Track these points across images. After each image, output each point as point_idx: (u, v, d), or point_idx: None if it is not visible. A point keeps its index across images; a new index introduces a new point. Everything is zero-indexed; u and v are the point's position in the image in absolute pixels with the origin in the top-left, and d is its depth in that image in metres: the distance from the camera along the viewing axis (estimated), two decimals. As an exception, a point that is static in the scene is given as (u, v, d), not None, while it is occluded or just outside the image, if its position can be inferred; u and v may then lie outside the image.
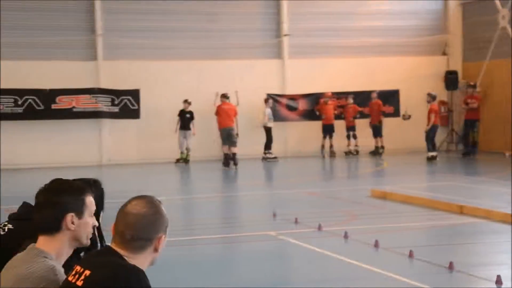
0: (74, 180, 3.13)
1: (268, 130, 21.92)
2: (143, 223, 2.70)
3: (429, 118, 20.86)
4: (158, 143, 21.88)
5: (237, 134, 20.66)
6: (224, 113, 20.45)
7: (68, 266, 2.86)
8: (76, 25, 21.51)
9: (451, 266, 7.95)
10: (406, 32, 23.82)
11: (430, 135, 20.82)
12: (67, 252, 2.91)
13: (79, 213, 2.89)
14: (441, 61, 24.29)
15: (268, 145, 21.95)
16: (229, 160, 20.13)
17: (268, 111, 21.94)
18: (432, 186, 15.21)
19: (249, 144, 22.15)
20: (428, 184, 15.71)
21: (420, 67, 23.92)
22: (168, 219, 2.78)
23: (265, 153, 21.92)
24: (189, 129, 21.36)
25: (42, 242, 2.87)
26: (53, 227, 2.86)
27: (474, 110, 21.90)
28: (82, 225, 2.89)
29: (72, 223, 2.86)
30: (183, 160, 21.30)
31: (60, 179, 2.96)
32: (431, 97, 21.07)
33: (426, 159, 20.68)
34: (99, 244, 3.37)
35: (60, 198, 2.87)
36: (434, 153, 20.69)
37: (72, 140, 21.22)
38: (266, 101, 22.03)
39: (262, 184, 17.41)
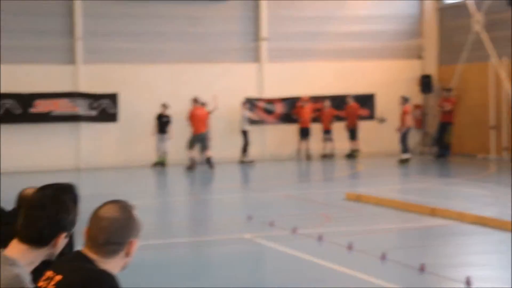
0: (49, 185, 3.14)
1: (244, 133, 22.02)
2: (115, 228, 2.72)
3: (404, 120, 21.08)
4: (137, 147, 21.86)
5: (208, 138, 20.69)
6: (198, 119, 20.42)
7: (38, 271, 2.86)
8: (55, 28, 21.44)
9: (422, 268, 8.10)
10: (383, 36, 24.04)
11: (405, 137, 21.06)
12: (38, 262, 2.92)
13: (69, 233, 2.91)
14: (417, 65, 24.55)
15: (245, 148, 22.04)
16: (195, 164, 20.16)
17: (246, 114, 22.05)
18: (406, 189, 15.40)
19: (226, 148, 22.22)
20: (402, 186, 15.90)
21: (396, 71, 24.15)
22: (140, 224, 2.80)
23: (242, 156, 22.01)
24: (166, 132, 21.39)
25: (19, 250, 2.84)
26: (43, 242, 2.84)
27: (448, 113, 22.18)
28: (64, 243, 2.92)
29: (61, 242, 2.89)
30: (160, 163, 21.32)
31: (55, 192, 2.90)
32: (404, 100, 21.34)
33: (399, 161, 20.88)
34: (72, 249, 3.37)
35: (60, 216, 2.84)
36: (408, 156, 20.91)
37: (50, 144, 21.13)
38: (244, 104, 22.13)
39: (238, 187, 17.47)
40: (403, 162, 20.75)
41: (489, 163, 20.65)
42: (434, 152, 23.08)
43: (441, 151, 22.12)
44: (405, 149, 20.95)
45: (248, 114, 22.13)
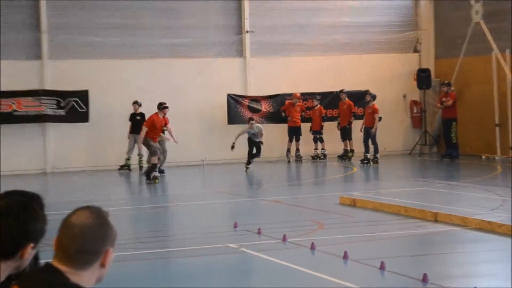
0: (13, 191, 3.04)
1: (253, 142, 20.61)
2: (88, 236, 2.66)
3: (373, 119, 21.02)
4: (109, 148, 21.67)
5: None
6: (158, 125, 18.56)
7: (4, 285, 2.80)
8: (19, 22, 21.21)
9: (425, 278, 8.01)
10: (376, 28, 24.04)
11: (374, 136, 20.95)
12: (4, 276, 2.85)
13: (37, 244, 2.84)
14: (413, 59, 24.58)
15: (257, 155, 20.63)
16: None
17: (250, 131, 20.74)
18: (405, 192, 15.35)
19: (208, 148, 22.09)
20: (401, 189, 15.84)
21: (390, 65, 24.15)
22: (116, 231, 2.72)
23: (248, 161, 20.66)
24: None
25: None
26: (9, 253, 2.78)
27: (449, 108, 22.06)
28: (32, 254, 2.85)
29: (29, 253, 2.81)
30: (127, 167, 20.88)
31: (23, 198, 2.84)
32: (372, 97, 21.27)
33: (373, 161, 20.72)
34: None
35: (26, 225, 2.78)
36: (378, 155, 20.89)
37: (14, 146, 20.85)
38: (249, 121, 20.67)
39: (222, 191, 17.35)
40: (374, 162, 20.63)
41: (495, 164, 20.68)
42: (436, 152, 22.99)
43: (449, 151, 21.96)
44: (377, 148, 20.90)
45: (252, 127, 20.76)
